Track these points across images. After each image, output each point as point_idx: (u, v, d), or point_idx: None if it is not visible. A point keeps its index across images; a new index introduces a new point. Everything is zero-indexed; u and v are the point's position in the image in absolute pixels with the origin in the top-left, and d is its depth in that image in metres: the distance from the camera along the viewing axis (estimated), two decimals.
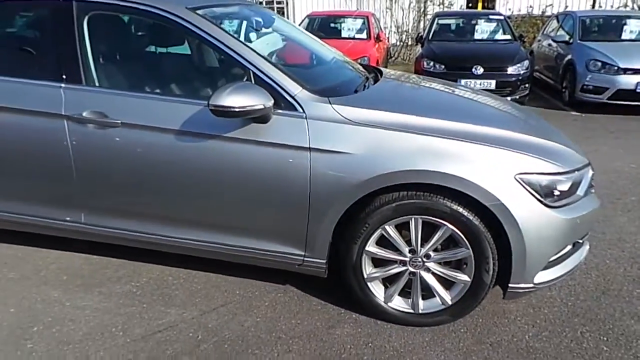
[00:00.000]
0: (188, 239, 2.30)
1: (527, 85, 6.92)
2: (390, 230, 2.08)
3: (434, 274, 2.14)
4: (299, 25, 9.55)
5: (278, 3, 19.24)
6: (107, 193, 2.32)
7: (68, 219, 2.41)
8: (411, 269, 2.15)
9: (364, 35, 8.47)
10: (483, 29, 8.33)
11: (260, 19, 2.81)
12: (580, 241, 2.26)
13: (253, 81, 2.09)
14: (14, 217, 2.51)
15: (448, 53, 7.34)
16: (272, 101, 2.00)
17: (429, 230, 2.07)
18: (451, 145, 1.96)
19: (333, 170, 2.01)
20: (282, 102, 2.07)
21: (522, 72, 6.87)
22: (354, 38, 8.42)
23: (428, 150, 1.95)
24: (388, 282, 2.24)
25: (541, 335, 2.18)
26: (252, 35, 2.83)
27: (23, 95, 2.28)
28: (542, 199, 1.97)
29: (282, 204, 2.10)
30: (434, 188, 1.97)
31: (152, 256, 2.63)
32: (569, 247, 2.20)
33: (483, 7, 14.97)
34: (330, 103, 2.08)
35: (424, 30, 9.88)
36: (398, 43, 13.09)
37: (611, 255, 2.88)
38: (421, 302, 2.18)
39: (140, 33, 2.61)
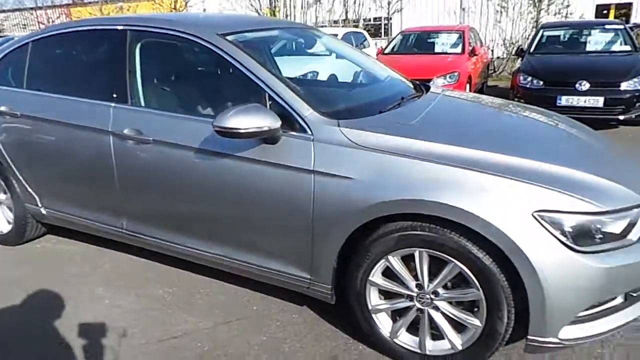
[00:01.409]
0: (204, 251, 2.41)
1: None
2: (394, 262, 1.95)
3: (443, 313, 1.95)
4: (390, 41, 9.50)
5: (382, 19, 19.37)
6: (141, 203, 2.54)
7: (112, 224, 2.68)
8: (418, 306, 1.98)
9: (458, 50, 8.10)
10: (597, 40, 7.43)
11: (302, 41, 2.85)
12: (635, 295, 1.89)
13: (268, 102, 2.13)
14: (75, 219, 2.87)
15: (548, 67, 6.68)
16: (279, 122, 2.01)
17: (438, 266, 1.90)
18: (458, 174, 1.78)
19: (334, 195, 1.95)
20: (295, 123, 2.08)
21: (639, 87, 5.97)
22: (446, 53, 8.10)
23: (429, 179, 1.79)
24: (398, 315, 2.09)
25: None
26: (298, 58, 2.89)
27: (84, 113, 2.59)
28: (569, 243, 1.68)
29: (286, 225, 2.09)
30: (440, 220, 1.80)
31: (191, 265, 2.77)
32: (619, 300, 1.86)
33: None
34: (338, 126, 2.03)
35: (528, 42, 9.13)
36: (504, 56, 12.27)
37: None
38: (429, 343, 2.00)
39: (175, 57, 2.79)
